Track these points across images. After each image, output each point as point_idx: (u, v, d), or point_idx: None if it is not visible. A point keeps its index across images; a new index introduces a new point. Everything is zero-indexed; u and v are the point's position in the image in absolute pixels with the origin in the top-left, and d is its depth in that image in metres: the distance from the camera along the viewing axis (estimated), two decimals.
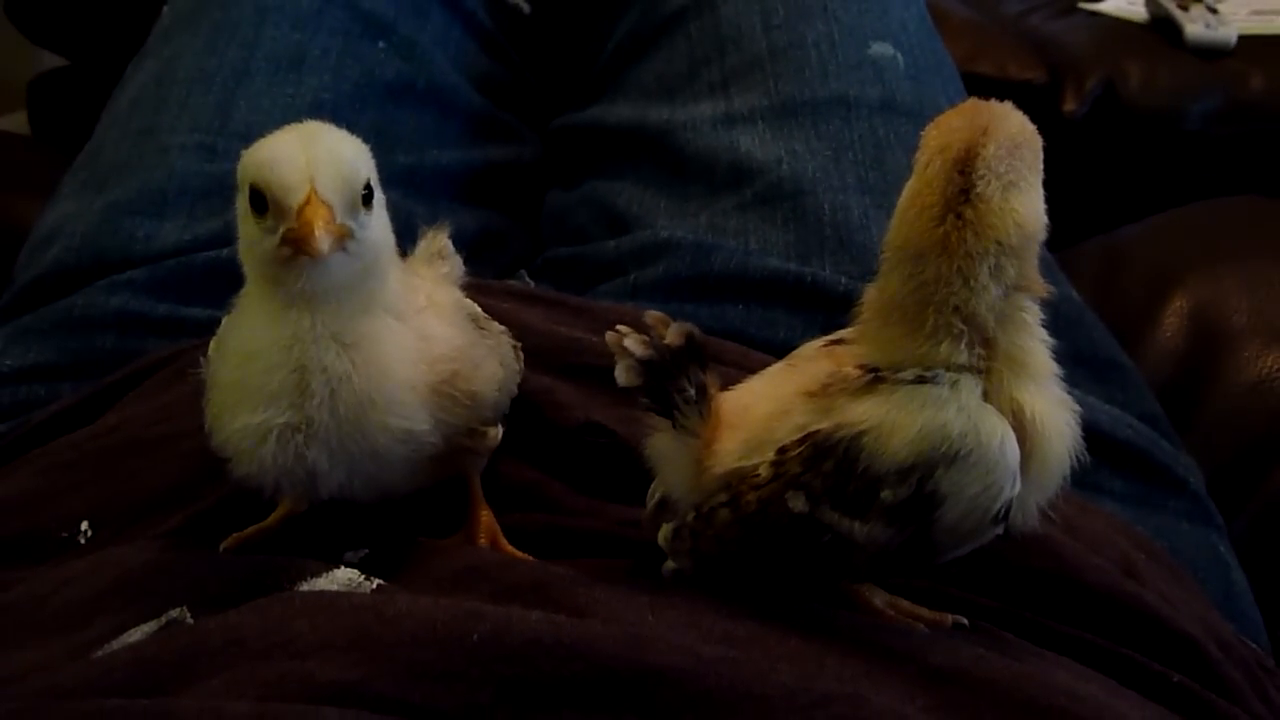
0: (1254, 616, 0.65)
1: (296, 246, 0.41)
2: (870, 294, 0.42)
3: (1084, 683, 0.43)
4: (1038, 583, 0.50)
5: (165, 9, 0.91)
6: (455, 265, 0.57)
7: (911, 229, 0.39)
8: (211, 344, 0.48)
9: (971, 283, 0.38)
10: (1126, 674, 0.47)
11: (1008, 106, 0.40)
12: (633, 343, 0.41)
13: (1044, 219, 0.40)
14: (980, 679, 0.40)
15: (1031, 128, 0.40)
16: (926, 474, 0.39)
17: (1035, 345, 0.41)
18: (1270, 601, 0.69)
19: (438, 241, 0.56)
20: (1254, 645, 0.58)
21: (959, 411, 0.39)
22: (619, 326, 0.42)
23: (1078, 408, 0.42)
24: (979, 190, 0.38)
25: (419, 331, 0.46)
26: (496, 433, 0.49)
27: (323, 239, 0.40)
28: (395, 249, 0.47)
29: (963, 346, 0.39)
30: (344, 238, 0.42)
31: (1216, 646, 0.51)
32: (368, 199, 0.43)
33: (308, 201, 0.40)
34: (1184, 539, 0.66)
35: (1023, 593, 0.50)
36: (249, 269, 0.45)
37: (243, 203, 0.43)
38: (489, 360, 0.49)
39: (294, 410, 0.43)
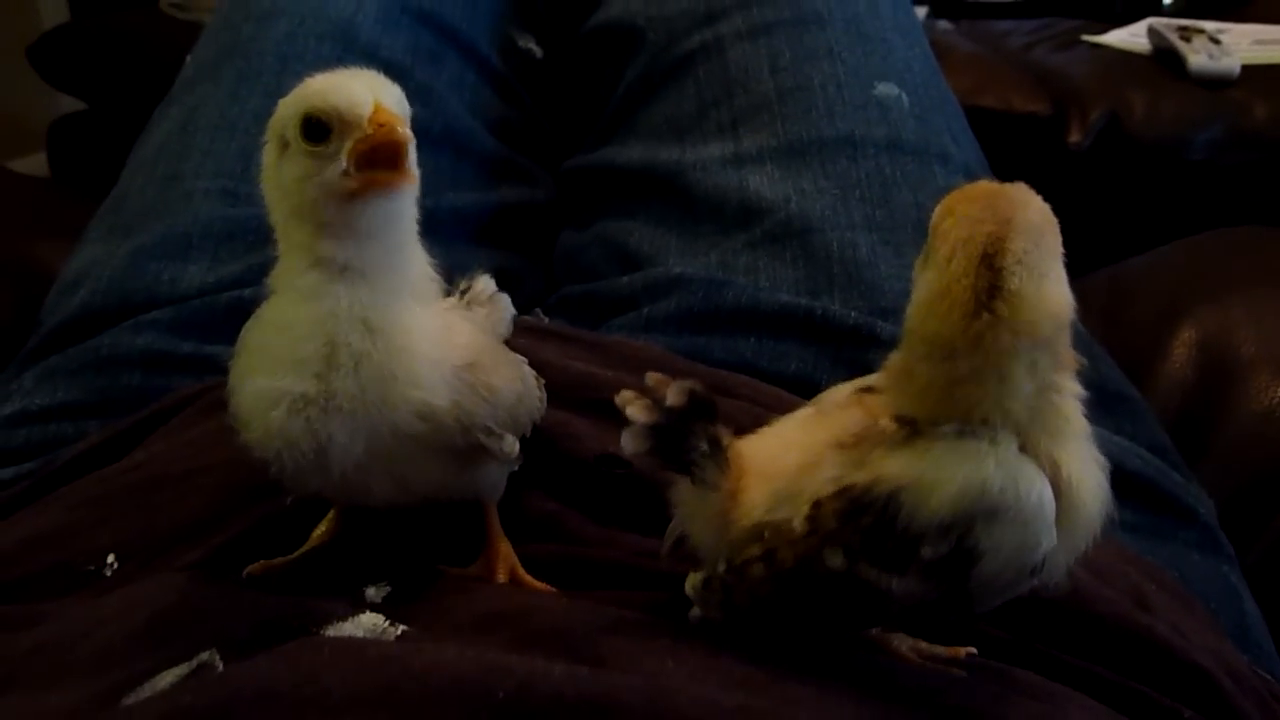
0: (1267, 647, 0.65)
1: (375, 150, 0.42)
2: (895, 359, 0.42)
3: None
4: (1049, 614, 0.50)
5: (188, 59, 0.94)
6: (503, 306, 0.59)
7: (942, 324, 0.38)
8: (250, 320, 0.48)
9: (1006, 382, 0.38)
10: (1138, 709, 0.47)
11: (1024, 190, 0.39)
12: (635, 409, 0.41)
13: (1072, 301, 0.39)
14: (995, 719, 0.40)
15: (1048, 210, 0.39)
16: (965, 530, 0.38)
17: (1069, 403, 0.40)
18: None
19: (478, 285, 0.57)
20: (1268, 676, 0.58)
21: (998, 466, 0.38)
22: (623, 392, 0.42)
23: (1108, 464, 0.41)
24: (1012, 287, 0.37)
25: (443, 320, 0.48)
26: (514, 445, 0.49)
27: (404, 135, 0.41)
28: (416, 225, 0.48)
29: (989, 403, 0.39)
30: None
31: (1229, 678, 0.51)
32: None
33: (377, 110, 0.42)
34: (1195, 569, 0.66)
35: (1034, 624, 0.50)
36: (289, 230, 0.45)
37: (271, 153, 0.45)
38: (509, 365, 0.51)
39: (316, 380, 0.44)
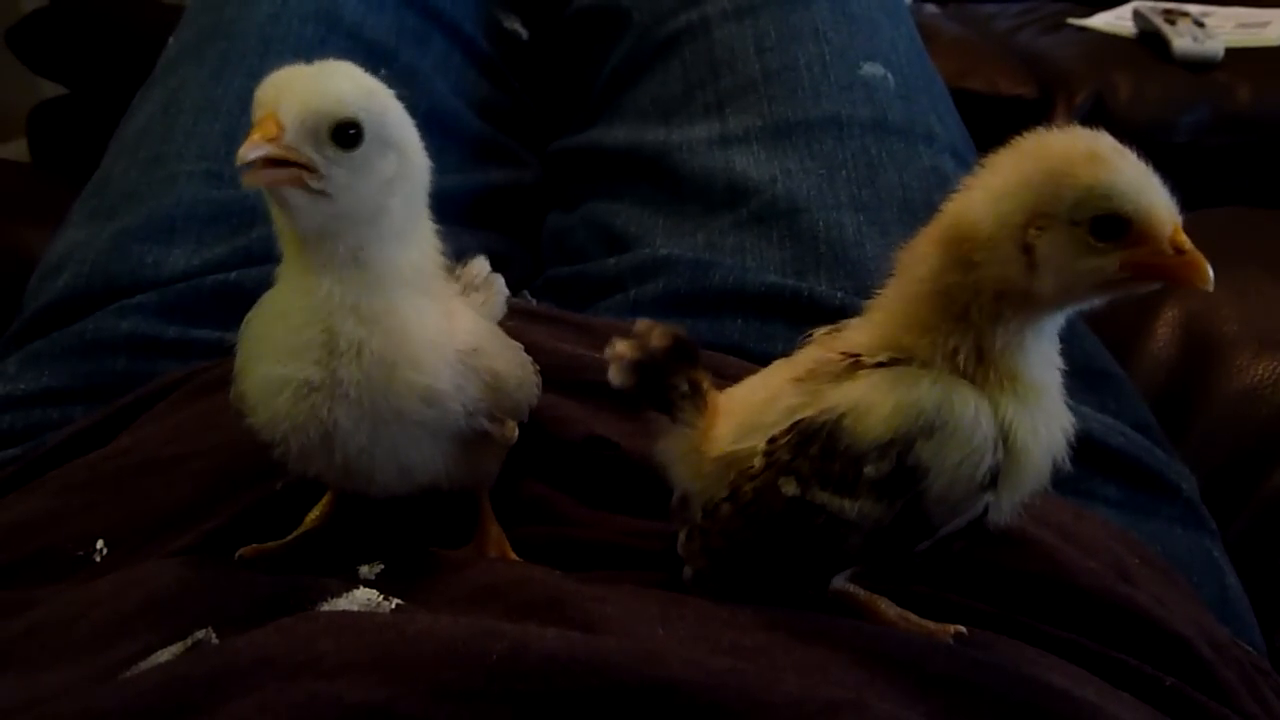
0: (1249, 620, 0.66)
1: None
2: (884, 292, 0.44)
3: (1079, 686, 0.44)
4: (1034, 587, 0.51)
5: (171, 40, 0.93)
6: (498, 288, 0.59)
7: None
8: (253, 309, 0.48)
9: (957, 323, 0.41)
10: (1121, 677, 0.48)
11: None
12: (623, 347, 0.45)
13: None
14: (979, 685, 0.41)
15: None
16: (906, 448, 0.40)
17: (1029, 364, 0.42)
18: (1265, 605, 0.69)
19: (473, 268, 0.57)
20: (1248, 647, 0.59)
21: (931, 386, 0.41)
22: (612, 339, 0.45)
23: (1073, 421, 0.43)
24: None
25: (445, 309, 0.48)
26: (515, 430, 0.50)
27: (247, 149, 0.40)
28: (419, 226, 0.47)
29: (940, 348, 0.41)
30: (295, 165, 0.41)
31: (1210, 648, 0.51)
32: (351, 140, 0.42)
33: (259, 121, 0.41)
34: (1178, 544, 0.66)
35: (1019, 597, 0.51)
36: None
37: None
38: (510, 350, 0.51)
39: (319, 367, 0.44)
